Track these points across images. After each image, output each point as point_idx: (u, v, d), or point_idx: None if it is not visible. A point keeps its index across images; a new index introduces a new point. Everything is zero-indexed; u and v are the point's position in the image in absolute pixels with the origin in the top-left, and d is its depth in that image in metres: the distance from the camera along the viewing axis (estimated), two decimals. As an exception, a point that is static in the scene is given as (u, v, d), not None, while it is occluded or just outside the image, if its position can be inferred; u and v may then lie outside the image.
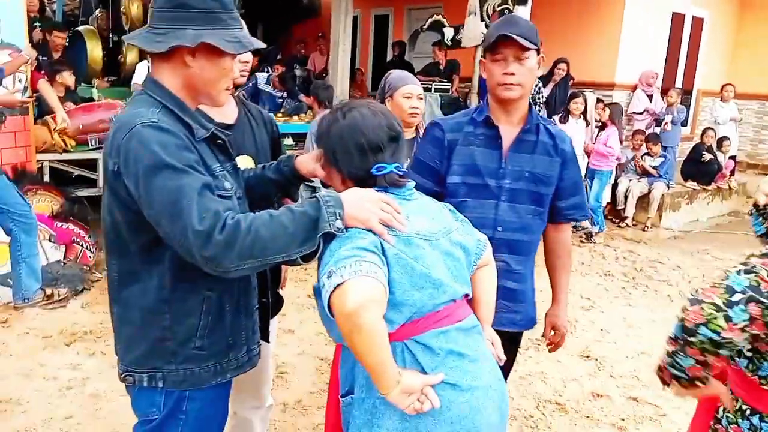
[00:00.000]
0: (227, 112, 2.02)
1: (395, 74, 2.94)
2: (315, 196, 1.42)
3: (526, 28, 1.96)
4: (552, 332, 2.27)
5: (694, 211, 8.30)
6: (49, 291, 4.22)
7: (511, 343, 2.13)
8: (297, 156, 1.84)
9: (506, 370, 2.23)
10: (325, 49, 9.33)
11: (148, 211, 1.37)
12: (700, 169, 8.37)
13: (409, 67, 9.42)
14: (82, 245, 4.86)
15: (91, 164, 5.56)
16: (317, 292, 1.52)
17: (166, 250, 1.46)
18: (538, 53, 2.00)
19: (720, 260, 6.48)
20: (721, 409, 1.60)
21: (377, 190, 1.51)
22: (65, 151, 5.29)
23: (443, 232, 1.55)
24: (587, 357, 3.99)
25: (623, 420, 3.25)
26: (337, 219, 1.38)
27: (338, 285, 1.30)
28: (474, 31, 6.01)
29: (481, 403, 1.47)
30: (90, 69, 7.42)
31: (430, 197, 1.67)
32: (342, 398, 1.56)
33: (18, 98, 4.00)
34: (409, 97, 2.79)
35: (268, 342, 2.07)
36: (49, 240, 4.61)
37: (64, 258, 4.69)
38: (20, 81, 4.67)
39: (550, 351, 2.35)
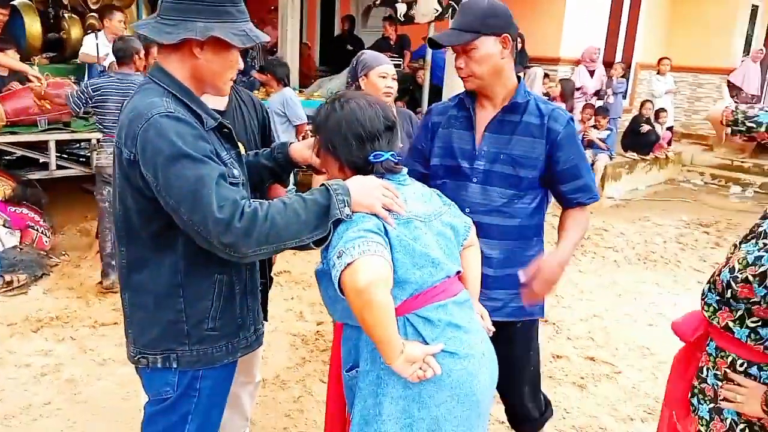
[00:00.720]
0: (219, 99, 2.04)
1: (369, 54, 2.97)
2: (324, 185, 1.51)
3: (473, 17, 1.91)
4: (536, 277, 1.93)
5: (634, 180, 8.72)
6: (8, 278, 4.12)
7: (500, 333, 1.86)
8: (291, 143, 1.91)
9: (515, 363, 2.14)
10: (277, 23, 9.18)
11: (167, 200, 1.42)
12: (639, 140, 8.77)
13: (359, 42, 9.42)
14: (37, 230, 4.74)
15: (41, 146, 5.36)
16: (320, 274, 1.61)
17: (178, 236, 1.51)
18: (500, 35, 1.93)
19: (660, 226, 6.88)
20: (704, 368, 1.72)
21: (376, 176, 1.60)
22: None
23: (435, 214, 1.67)
24: (545, 321, 4.21)
25: (582, 378, 3.49)
26: (345, 206, 1.48)
27: (348, 264, 1.39)
28: (427, 6, 6.08)
29: (476, 369, 1.61)
30: (29, 45, 7.08)
31: (420, 183, 1.77)
32: (347, 373, 1.67)
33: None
34: (384, 77, 2.83)
35: (266, 321, 2.15)
36: (4, 225, 4.48)
37: (20, 243, 4.57)
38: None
39: (524, 299, 1.99)
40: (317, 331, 3.88)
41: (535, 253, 2.10)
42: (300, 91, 7.33)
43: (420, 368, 1.50)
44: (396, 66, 8.03)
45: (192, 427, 1.68)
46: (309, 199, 1.48)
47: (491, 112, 2.06)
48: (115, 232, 1.62)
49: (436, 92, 7.37)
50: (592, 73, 8.53)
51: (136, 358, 1.64)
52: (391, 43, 8.51)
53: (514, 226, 2.06)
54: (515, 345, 2.18)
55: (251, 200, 1.47)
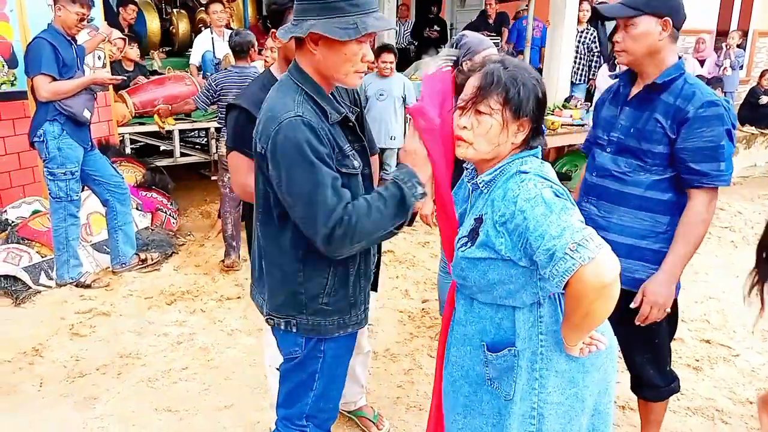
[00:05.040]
0: None
1: (471, 37, 2.91)
2: (391, 178, 1.64)
3: None
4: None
5: (751, 156, 8.18)
6: (143, 256, 4.53)
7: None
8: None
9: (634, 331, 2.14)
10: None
11: (285, 197, 1.61)
12: (758, 112, 8.21)
13: (443, 23, 9.52)
14: (165, 212, 5.16)
15: (163, 135, 5.82)
16: (475, 261, 1.56)
17: None
18: (661, 17, 1.98)
19: (782, 205, 6.46)
20: None
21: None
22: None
23: None
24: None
25: (698, 360, 3.41)
26: (415, 187, 1.61)
27: (591, 258, 1.34)
28: (528, -17, 5.99)
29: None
30: (149, 41, 7.65)
31: None
32: (495, 354, 1.62)
33: (108, 76, 4.22)
34: None
35: (376, 291, 2.25)
36: (137, 208, 4.91)
37: (151, 225, 5.01)
38: (99, 58, 4.92)
39: (638, 322, 2.09)
40: (423, 309, 4.01)
41: (663, 231, 2.13)
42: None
43: (584, 342, 1.55)
44: (494, 44, 8.05)
45: (320, 384, 1.87)
46: (386, 194, 1.61)
47: (638, 89, 2.15)
48: (255, 211, 1.81)
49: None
50: (702, 62, 8.04)
51: (266, 318, 1.85)
52: (490, 21, 8.42)
53: (636, 195, 2.12)
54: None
55: (352, 201, 1.61)
